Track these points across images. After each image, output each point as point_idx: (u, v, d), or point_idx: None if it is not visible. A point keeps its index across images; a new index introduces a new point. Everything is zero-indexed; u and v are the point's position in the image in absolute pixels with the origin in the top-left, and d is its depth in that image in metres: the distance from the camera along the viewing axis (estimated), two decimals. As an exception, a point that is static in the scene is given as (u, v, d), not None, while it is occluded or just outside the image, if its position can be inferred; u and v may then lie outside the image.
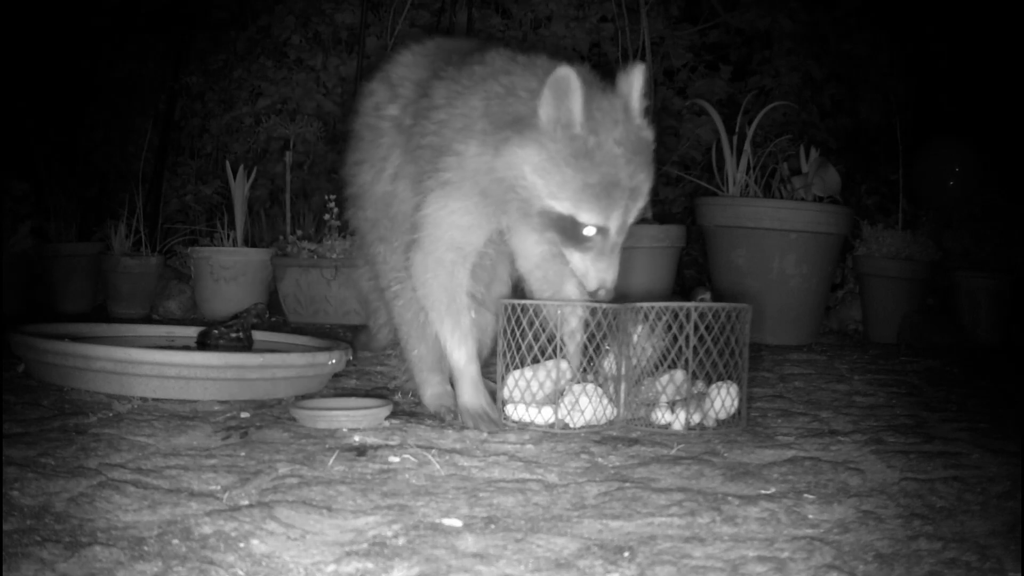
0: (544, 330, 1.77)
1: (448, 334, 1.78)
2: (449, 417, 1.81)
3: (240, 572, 0.96)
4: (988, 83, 4.37)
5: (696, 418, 1.77)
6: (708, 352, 1.75)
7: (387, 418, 1.76)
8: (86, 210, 4.74)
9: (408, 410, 1.91)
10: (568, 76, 1.54)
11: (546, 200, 1.60)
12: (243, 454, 1.46)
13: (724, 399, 1.78)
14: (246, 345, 2.28)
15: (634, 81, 1.65)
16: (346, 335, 3.28)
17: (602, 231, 1.62)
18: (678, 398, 1.79)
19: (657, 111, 1.74)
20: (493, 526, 1.13)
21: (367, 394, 2.08)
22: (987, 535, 1.15)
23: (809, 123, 4.61)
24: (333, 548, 1.04)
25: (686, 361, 1.75)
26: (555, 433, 1.70)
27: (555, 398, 1.76)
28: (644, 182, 1.64)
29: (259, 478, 1.32)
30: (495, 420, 1.74)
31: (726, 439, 1.71)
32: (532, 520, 1.17)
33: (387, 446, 1.55)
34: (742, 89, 4.55)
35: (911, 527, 1.18)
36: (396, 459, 1.46)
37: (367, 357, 2.62)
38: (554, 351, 1.77)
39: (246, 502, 1.19)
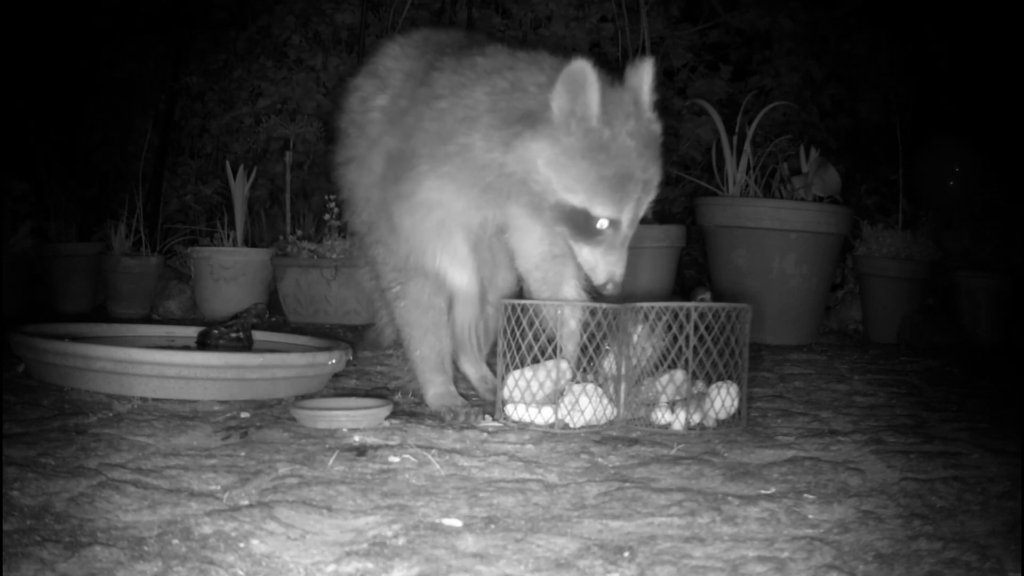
0: (544, 330, 1.77)
1: (448, 264, 1.78)
2: (450, 417, 1.81)
3: (240, 572, 0.96)
4: (988, 83, 4.37)
5: (696, 418, 1.77)
6: (708, 352, 1.75)
7: (387, 418, 1.76)
8: (86, 210, 4.74)
9: (408, 410, 1.91)
10: (584, 69, 1.54)
11: (561, 194, 1.60)
12: (243, 454, 1.46)
13: (724, 399, 1.78)
14: (246, 345, 2.28)
15: (644, 75, 1.66)
16: (346, 335, 3.28)
17: (614, 224, 1.63)
18: (678, 398, 1.79)
19: (658, 111, 1.73)
20: (493, 526, 1.13)
21: (367, 394, 2.08)
22: (987, 535, 1.15)
23: (809, 123, 4.61)
24: (333, 548, 1.04)
25: (686, 361, 1.75)
26: (555, 433, 1.70)
27: (555, 398, 1.76)
28: (655, 175, 1.65)
29: (259, 478, 1.32)
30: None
31: (726, 439, 1.71)
32: (532, 520, 1.17)
33: (387, 446, 1.55)
34: (742, 89, 4.55)
35: (911, 527, 1.18)
36: (396, 459, 1.46)
37: (367, 357, 2.62)
38: (554, 351, 1.77)
39: (246, 502, 1.19)
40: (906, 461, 1.54)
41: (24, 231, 4.34)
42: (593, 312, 1.76)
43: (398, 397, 2.05)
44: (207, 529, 1.07)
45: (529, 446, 1.60)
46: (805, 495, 1.31)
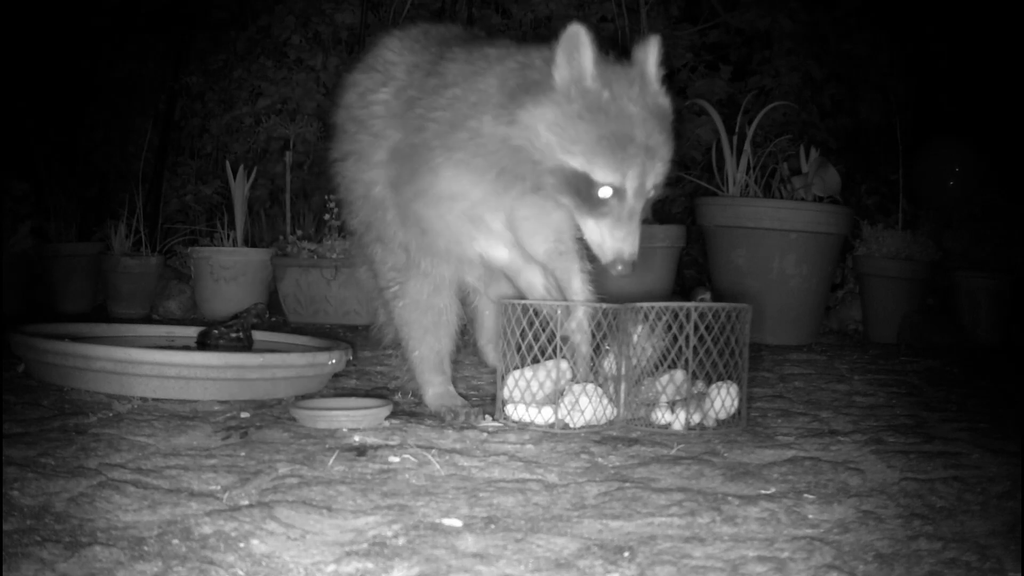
0: (544, 330, 1.77)
1: (486, 244, 1.75)
2: (450, 417, 1.81)
3: (240, 572, 0.96)
4: (988, 83, 4.37)
5: (696, 418, 1.77)
6: (708, 352, 1.75)
7: (387, 418, 1.76)
8: (86, 210, 4.74)
9: (408, 410, 1.91)
10: (578, 32, 1.56)
11: (559, 155, 1.58)
12: (243, 454, 1.46)
13: (724, 399, 1.78)
14: (246, 345, 2.28)
15: (650, 50, 1.65)
16: (346, 335, 3.28)
17: (618, 193, 1.59)
18: (678, 398, 1.79)
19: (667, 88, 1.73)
20: (493, 526, 1.13)
21: (367, 394, 2.08)
22: (987, 535, 1.15)
23: (809, 123, 4.61)
24: (333, 548, 1.04)
25: (686, 361, 1.75)
26: (555, 433, 1.70)
27: (555, 398, 1.76)
28: (662, 144, 1.61)
29: (259, 478, 1.32)
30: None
31: (726, 439, 1.71)
32: (532, 520, 1.17)
33: (387, 446, 1.55)
34: (742, 89, 4.55)
35: (911, 527, 1.18)
36: (396, 459, 1.46)
37: (367, 357, 2.62)
38: (554, 351, 1.77)
39: (246, 502, 1.19)
40: (906, 461, 1.54)
41: (24, 231, 4.34)
42: (593, 312, 1.76)
43: (398, 397, 2.05)
44: (207, 529, 1.07)
45: (529, 446, 1.60)
46: (805, 495, 1.31)
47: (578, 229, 1.72)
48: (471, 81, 1.66)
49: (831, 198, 3.63)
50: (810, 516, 1.21)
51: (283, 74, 5.06)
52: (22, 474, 1.25)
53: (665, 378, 1.80)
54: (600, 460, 1.51)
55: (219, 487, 1.27)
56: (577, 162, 1.58)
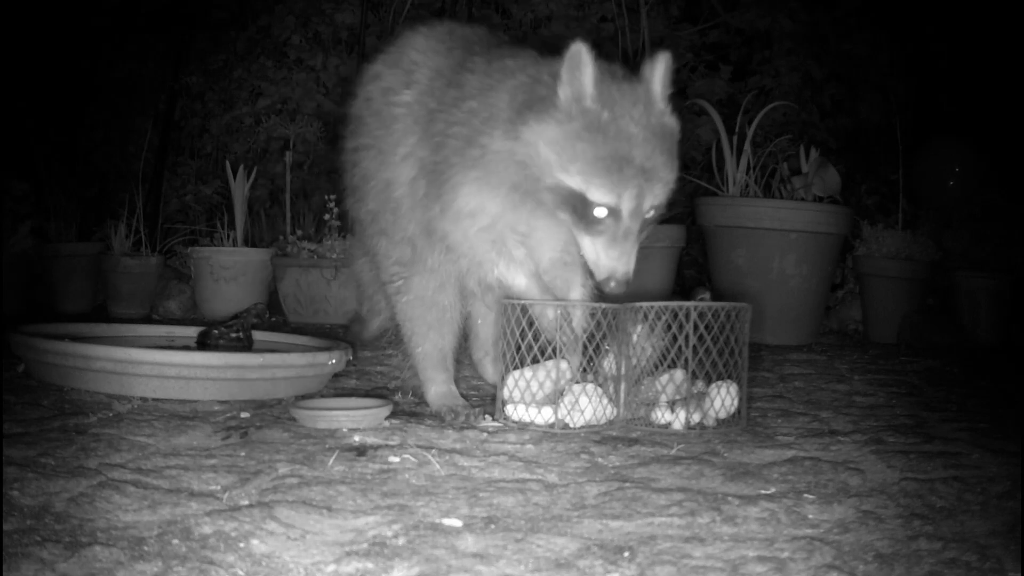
0: (543, 331, 1.77)
1: (505, 270, 1.76)
2: (450, 417, 1.81)
3: (240, 572, 0.96)
4: (988, 83, 4.37)
5: (696, 418, 1.77)
6: (708, 352, 1.75)
7: (387, 418, 1.76)
8: (86, 210, 4.74)
9: (408, 410, 1.91)
10: (580, 51, 1.54)
11: (557, 173, 1.58)
12: (243, 454, 1.46)
13: (724, 399, 1.78)
14: (246, 345, 2.28)
15: (658, 68, 1.64)
16: (346, 335, 3.28)
17: (614, 213, 1.59)
18: (678, 398, 1.79)
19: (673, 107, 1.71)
20: (493, 526, 1.13)
21: (367, 394, 2.08)
22: (987, 535, 1.15)
23: (809, 123, 4.61)
24: (333, 548, 1.04)
25: (686, 361, 1.75)
26: (555, 433, 1.70)
27: (555, 398, 1.76)
28: (662, 166, 1.60)
29: (259, 478, 1.32)
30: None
31: (726, 439, 1.71)
32: (532, 520, 1.17)
33: (387, 446, 1.55)
34: (742, 89, 4.56)
35: (911, 527, 1.18)
36: (396, 459, 1.46)
37: (367, 357, 2.62)
38: (554, 351, 1.77)
39: (246, 502, 1.19)
40: (906, 461, 1.54)
41: (24, 231, 4.34)
42: (593, 312, 1.76)
43: (398, 397, 2.05)
44: (207, 529, 1.07)
45: (529, 446, 1.60)
46: (805, 495, 1.31)
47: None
48: (485, 95, 1.67)
49: (831, 198, 3.63)
50: (810, 516, 1.21)
51: (283, 74, 5.06)
52: (22, 474, 1.25)
53: (665, 378, 1.80)
54: (600, 460, 1.51)
55: (219, 487, 1.27)
56: (574, 181, 1.58)
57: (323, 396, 2.06)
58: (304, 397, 2.00)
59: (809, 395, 2.27)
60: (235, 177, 4.19)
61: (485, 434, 1.68)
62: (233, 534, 1.06)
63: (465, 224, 1.71)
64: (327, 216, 4.02)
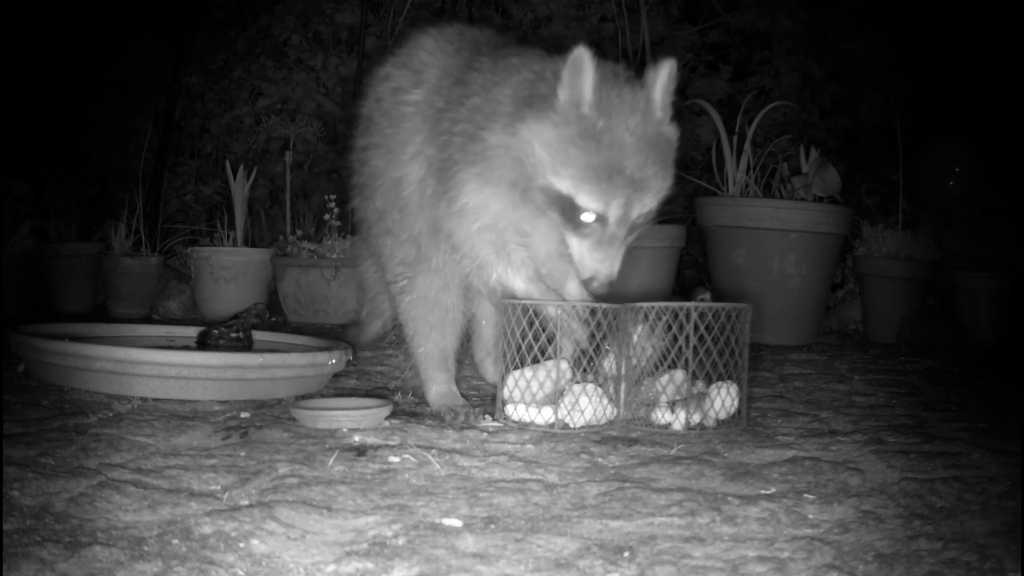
0: (544, 330, 1.77)
1: (504, 271, 1.76)
2: (450, 417, 1.81)
3: (240, 572, 0.96)
4: (988, 83, 4.37)
5: (696, 418, 1.77)
6: (708, 352, 1.75)
7: (387, 418, 1.76)
8: (86, 210, 4.74)
9: (408, 410, 1.91)
10: (582, 56, 1.54)
11: (548, 176, 1.59)
12: (243, 454, 1.46)
13: (724, 399, 1.78)
14: (246, 345, 2.28)
15: (660, 75, 1.64)
16: (343, 337, 3.28)
17: (601, 219, 1.60)
18: (678, 398, 1.79)
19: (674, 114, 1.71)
20: (493, 526, 1.13)
21: (367, 394, 2.08)
22: (987, 535, 1.15)
23: (809, 123, 4.61)
24: (333, 548, 1.04)
25: (686, 361, 1.75)
26: (555, 433, 1.70)
27: (555, 398, 1.76)
28: (654, 176, 1.60)
29: (259, 478, 1.32)
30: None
31: (726, 439, 1.71)
32: (532, 520, 1.17)
33: (387, 446, 1.55)
34: (742, 89, 4.56)
35: (911, 527, 1.18)
36: (396, 459, 1.46)
37: (367, 357, 2.62)
38: (554, 351, 1.77)
39: (246, 502, 1.19)
40: (906, 461, 1.54)
41: (24, 231, 4.34)
42: (593, 312, 1.76)
43: (398, 397, 2.05)
44: (207, 529, 1.07)
45: (529, 446, 1.60)
46: (805, 495, 1.31)
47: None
48: (489, 91, 1.67)
49: (831, 198, 3.63)
50: (810, 516, 1.21)
51: (283, 74, 5.06)
52: (22, 474, 1.25)
53: (665, 378, 1.80)
54: (600, 460, 1.51)
55: (219, 487, 1.27)
56: (564, 185, 1.59)
57: (323, 396, 2.06)
58: (304, 397, 2.00)
59: (809, 395, 2.27)
60: (235, 177, 4.19)
61: (485, 434, 1.68)
62: (233, 534, 1.06)
63: (468, 221, 1.71)
64: (327, 216, 4.02)
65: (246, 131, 5.04)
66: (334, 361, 2.08)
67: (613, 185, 1.57)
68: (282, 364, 1.99)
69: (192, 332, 2.35)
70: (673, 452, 1.58)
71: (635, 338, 1.80)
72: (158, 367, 1.88)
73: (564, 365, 1.78)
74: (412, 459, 1.46)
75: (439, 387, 1.94)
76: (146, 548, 1.01)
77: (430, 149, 1.78)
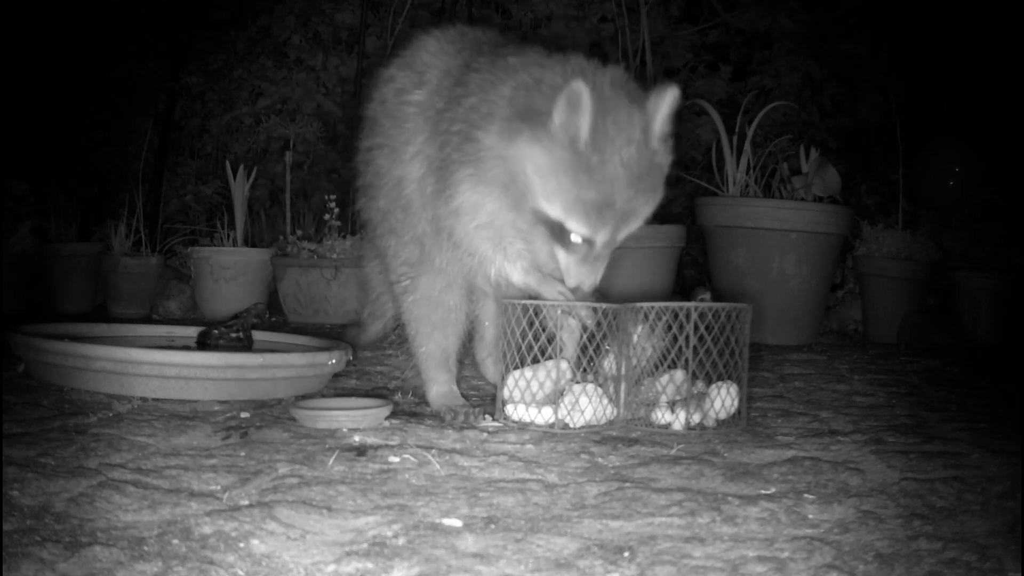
0: (544, 330, 1.77)
1: (502, 263, 1.77)
2: (450, 417, 1.81)
3: (240, 572, 0.96)
4: (988, 83, 4.37)
5: (696, 418, 1.77)
6: (708, 352, 1.75)
7: (387, 418, 1.76)
8: (86, 210, 4.74)
9: (408, 410, 1.91)
10: (580, 92, 1.52)
11: (539, 200, 1.61)
12: (243, 454, 1.46)
13: (724, 399, 1.78)
14: (246, 345, 2.28)
15: (664, 104, 1.63)
16: (342, 338, 3.28)
17: (588, 241, 1.63)
18: (678, 398, 1.79)
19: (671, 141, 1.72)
20: (493, 526, 1.13)
21: (367, 394, 2.08)
22: (987, 535, 1.15)
23: (809, 123, 4.61)
24: (333, 548, 1.04)
25: (686, 361, 1.75)
26: (555, 433, 1.70)
27: (555, 398, 1.76)
28: (643, 206, 1.63)
29: (259, 478, 1.32)
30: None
31: (726, 439, 1.71)
32: (532, 520, 1.17)
33: (387, 446, 1.55)
34: (742, 89, 4.56)
35: (911, 527, 1.18)
36: (396, 459, 1.46)
37: (367, 357, 2.62)
38: (554, 351, 1.77)
39: (246, 502, 1.19)
40: (906, 461, 1.54)
41: (24, 231, 4.34)
42: (593, 312, 1.76)
43: (398, 397, 2.05)
44: (207, 529, 1.07)
45: (529, 446, 1.60)
46: (805, 495, 1.31)
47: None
48: (485, 92, 1.67)
49: (831, 198, 3.63)
50: (810, 516, 1.21)
51: (283, 74, 5.06)
52: (22, 474, 1.25)
53: (665, 378, 1.80)
54: (600, 460, 1.51)
55: (219, 487, 1.27)
56: (553, 211, 1.60)
57: (323, 396, 2.06)
58: (304, 397, 2.00)
59: (809, 395, 2.27)
60: (235, 177, 4.19)
61: (485, 434, 1.68)
62: (233, 534, 1.06)
63: (465, 220, 1.72)
64: (327, 216, 4.02)
65: (246, 131, 5.04)
66: (334, 361, 2.08)
67: (602, 217, 1.59)
68: (282, 364, 1.99)
69: (192, 332, 2.35)
70: (673, 452, 1.58)
71: (635, 338, 1.80)
72: (158, 367, 1.88)
73: (564, 365, 1.78)
74: (412, 459, 1.46)
75: (440, 387, 1.94)
76: (146, 548, 1.01)
77: (430, 148, 1.78)
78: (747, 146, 3.59)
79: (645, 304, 1.80)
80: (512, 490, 1.30)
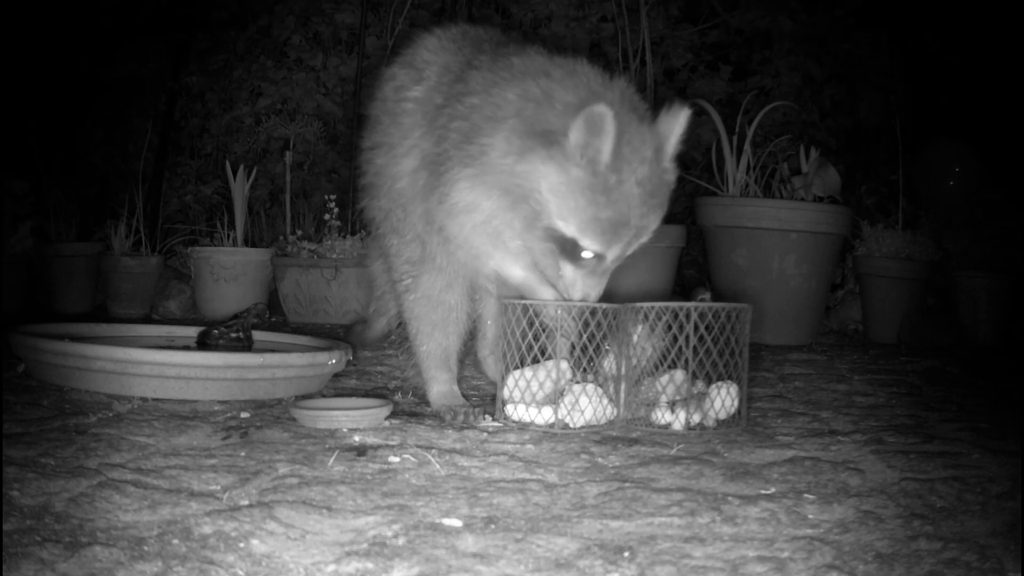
0: (544, 330, 1.77)
1: (501, 261, 1.77)
2: (449, 417, 1.81)
3: (240, 572, 0.96)
4: (988, 83, 4.37)
5: (696, 418, 1.77)
6: (708, 352, 1.75)
7: (387, 418, 1.76)
8: (86, 210, 4.74)
9: (408, 410, 1.91)
10: (604, 116, 1.53)
11: (554, 219, 1.62)
12: (243, 454, 1.46)
13: (724, 399, 1.78)
14: (246, 345, 2.28)
15: (676, 126, 1.67)
16: (347, 336, 3.28)
17: (599, 256, 1.65)
18: (678, 398, 1.79)
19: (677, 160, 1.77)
20: (493, 526, 1.13)
21: (367, 394, 2.08)
22: (987, 535, 1.15)
23: (809, 123, 4.61)
24: (333, 548, 1.04)
25: (686, 361, 1.75)
26: (555, 433, 1.70)
27: (555, 398, 1.76)
28: (653, 222, 1.67)
29: (259, 478, 1.32)
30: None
31: (726, 439, 1.71)
32: (532, 520, 1.17)
33: (387, 446, 1.55)
34: (742, 89, 4.56)
35: (911, 527, 1.18)
36: (396, 459, 1.46)
37: (367, 357, 2.62)
38: (554, 351, 1.77)
39: (246, 502, 1.19)
40: (906, 461, 1.54)
41: (24, 231, 4.34)
42: (593, 312, 1.76)
43: (398, 397, 2.05)
44: (207, 529, 1.07)
45: (529, 446, 1.60)
46: (805, 495, 1.31)
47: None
48: (489, 92, 1.67)
49: (831, 198, 3.63)
50: (810, 516, 1.21)
51: (283, 74, 5.06)
52: (22, 474, 1.25)
53: (665, 378, 1.80)
54: (600, 460, 1.51)
55: (219, 487, 1.27)
56: (569, 230, 1.62)
57: (323, 396, 2.06)
58: (304, 397, 2.00)
59: (809, 395, 2.27)
60: (235, 177, 4.19)
61: (485, 434, 1.68)
62: (233, 534, 1.06)
63: (461, 219, 1.72)
64: (327, 216, 4.02)
65: (246, 131, 5.04)
66: (334, 361, 2.08)
67: (617, 236, 1.62)
68: (282, 364, 1.99)
69: (192, 332, 2.35)
70: (673, 452, 1.58)
71: (635, 338, 1.80)
72: (158, 367, 1.88)
73: (564, 365, 1.78)
74: (412, 459, 1.46)
75: (440, 386, 1.94)
76: (146, 548, 1.01)
77: (426, 143, 1.78)
78: (747, 146, 3.59)
79: (645, 304, 1.80)
80: (512, 490, 1.30)
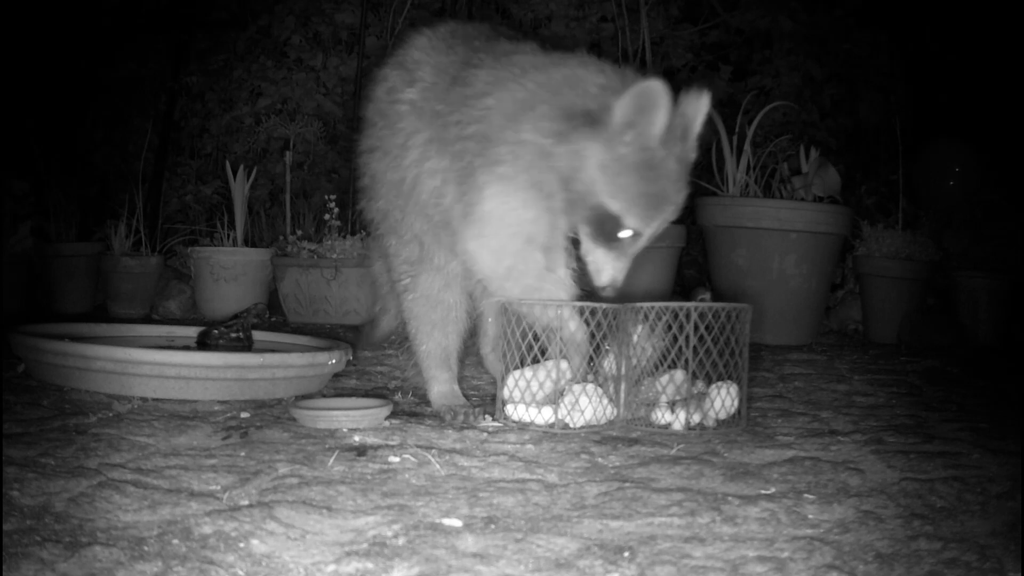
0: (542, 331, 1.76)
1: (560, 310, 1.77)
2: (449, 417, 1.81)
3: (240, 572, 0.96)
4: (988, 83, 4.37)
5: (696, 418, 1.77)
6: (708, 352, 1.75)
7: (387, 418, 1.76)
8: (86, 210, 4.74)
9: (408, 410, 1.91)
10: (659, 91, 1.57)
11: (602, 198, 1.63)
12: (243, 454, 1.46)
13: (724, 399, 1.78)
14: (246, 345, 2.28)
15: (700, 108, 1.70)
16: (346, 335, 3.28)
17: (636, 236, 1.67)
18: (678, 398, 1.79)
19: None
20: (493, 526, 1.13)
21: (367, 394, 2.08)
22: (987, 535, 1.15)
23: (809, 123, 4.61)
24: (333, 548, 1.04)
25: (686, 361, 1.75)
26: (555, 433, 1.70)
27: (555, 398, 1.76)
28: (683, 200, 1.71)
29: (259, 478, 1.32)
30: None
31: (726, 439, 1.71)
32: (532, 520, 1.17)
33: (387, 446, 1.55)
34: (742, 89, 4.56)
35: (911, 527, 1.18)
36: (396, 459, 1.46)
37: (367, 357, 2.62)
38: (554, 352, 1.77)
39: (246, 502, 1.19)
40: (906, 461, 1.54)
41: (24, 231, 4.34)
42: (593, 312, 1.76)
43: (398, 397, 2.05)
44: (207, 529, 1.07)
45: (529, 446, 1.60)
46: (805, 495, 1.31)
47: (570, 232, 1.76)
48: (506, 87, 1.67)
49: (831, 198, 3.63)
50: (810, 516, 1.21)
51: (283, 74, 5.06)
52: (22, 474, 1.25)
53: (665, 378, 1.80)
54: (600, 460, 1.51)
55: (219, 487, 1.27)
56: (615, 207, 1.63)
57: (323, 396, 2.06)
58: (304, 397, 2.00)
59: (809, 395, 2.27)
60: (235, 177, 4.19)
61: (485, 434, 1.68)
62: (233, 534, 1.06)
63: (491, 228, 1.71)
64: (327, 216, 4.02)
65: (246, 131, 5.04)
66: (334, 361, 2.08)
67: (660, 211, 1.66)
68: (282, 364, 1.99)
69: (192, 332, 2.35)
70: (673, 452, 1.58)
71: (635, 338, 1.80)
72: (158, 367, 1.88)
73: (564, 365, 1.78)
74: (412, 459, 1.46)
75: (440, 386, 1.94)
76: (146, 548, 1.01)
77: (444, 161, 1.77)
78: (747, 146, 3.59)
79: (645, 304, 1.80)
80: (512, 490, 1.30)
